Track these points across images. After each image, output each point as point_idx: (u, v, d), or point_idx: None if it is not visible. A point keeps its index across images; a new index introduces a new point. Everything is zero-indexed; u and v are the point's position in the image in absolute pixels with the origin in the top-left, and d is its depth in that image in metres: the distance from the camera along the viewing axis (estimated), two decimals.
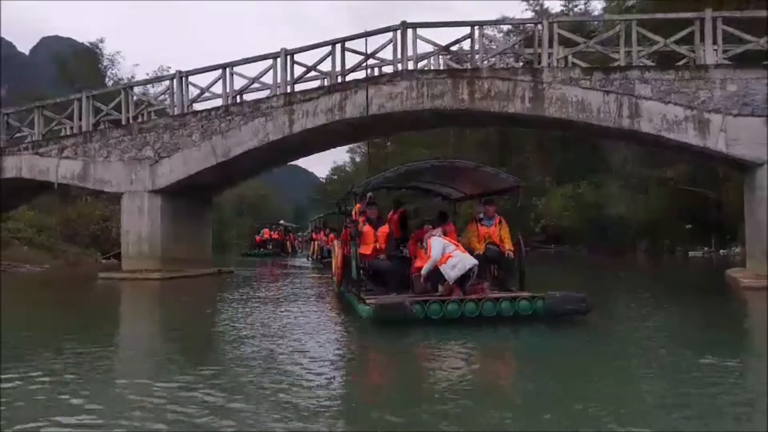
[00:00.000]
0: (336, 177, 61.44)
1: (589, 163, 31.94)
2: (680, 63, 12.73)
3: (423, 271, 8.07)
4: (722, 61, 12.41)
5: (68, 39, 78.58)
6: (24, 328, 8.02)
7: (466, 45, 14.64)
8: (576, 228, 31.52)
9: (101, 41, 37.65)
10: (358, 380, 5.23)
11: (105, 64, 37.07)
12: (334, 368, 5.41)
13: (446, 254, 7.78)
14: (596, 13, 31.66)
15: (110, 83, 37.38)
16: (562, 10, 32.42)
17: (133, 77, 36.66)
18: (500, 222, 9.11)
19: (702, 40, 12.49)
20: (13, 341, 6.80)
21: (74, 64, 36.40)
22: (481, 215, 9.18)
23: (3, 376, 5.02)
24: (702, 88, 12.15)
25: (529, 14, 32.30)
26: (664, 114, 12.28)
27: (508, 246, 8.87)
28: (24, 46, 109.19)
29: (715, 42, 12.45)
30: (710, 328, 7.70)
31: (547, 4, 32.59)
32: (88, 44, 38.96)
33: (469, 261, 7.75)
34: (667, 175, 25.33)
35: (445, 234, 8.53)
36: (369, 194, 9.91)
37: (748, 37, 12.46)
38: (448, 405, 4.13)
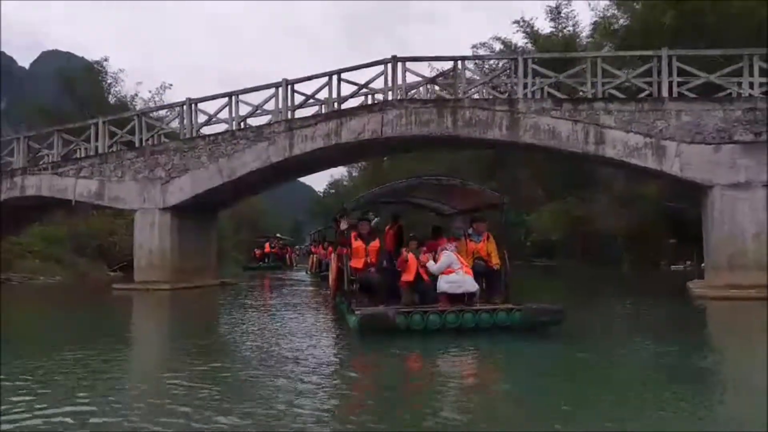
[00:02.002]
0: (333, 191, 63.12)
1: (578, 177, 33.52)
2: (641, 96, 14.47)
3: (430, 268, 8.86)
4: (684, 93, 14.19)
5: (68, 53, 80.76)
6: (67, 330, 9.76)
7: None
8: (565, 242, 33.11)
9: (106, 59, 39.23)
10: (341, 380, 6.03)
11: (109, 81, 38.63)
12: (321, 368, 6.28)
13: (450, 269, 8.62)
14: (585, 34, 33.69)
15: (113, 100, 38.84)
16: (552, 32, 34.35)
17: (136, 95, 38.44)
18: (488, 238, 9.73)
19: (659, 74, 14.25)
20: (62, 338, 8.54)
21: (80, 81, 37.98)
22: (470, 231, 9.87)
23: (71, 355, 6.74)
24: (659, 118, 13.88)
25: (519, 36, 34.21)
26: (626, 141, 14.00)
27: (494, 261, 9.51)
28: (24, 61, 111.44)
29: (671, 75, 14.20)
30: (657, 326, 9.59)
31: (537, 26, 34.41)
32: (92, 62, 40.49)
33: (470, 286, 8.52)
34: (648, 190, 26.90)
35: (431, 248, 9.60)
36: (353, 210, 10.88)
37: (699, 73, 14.21)
38: (422, 406, 4.87)
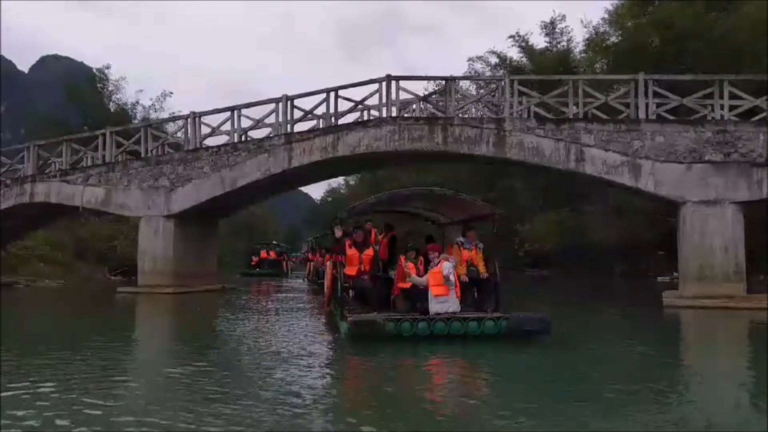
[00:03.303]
0: (331, 199, 64.28)
1: (572, 188, 34.56)
2: (619, 117, 15.63)
3: (419, 281, 9.16)
4: (662, 115, 15.37)
5: (67, 58, 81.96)
6: (77, 330, 10.93)
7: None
8: (558, 252, 34.20)
9: (108, 67, 40.35)
10: (327, 381, 6.56)
11: (110, 89, 39.76)
12: (309, 371, 6.81)
13: (445, 289, 8.87)
14: (578, 49, 34.95)
15: (114, 107, 39.94)
16: (546, 47, 35.63)
17: (137, 102, 39.57)
18: (476, 246, 10.24)
19: (636, 97, 15.43)
20: (73, 338, 9.72)
21: (82, 89, 39.17)
22: (462, 239, 10.36)
23: (83, 352, 7.84)
24: (635, 138, 15.06)
25: (515, 50, 35.46)
26: (604, 159, 15.16)
27: (481, 269, 10.02)
28: (23, 65, 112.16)
29: (646, 96, 15.36)
30: (627, 332, 10.94)
31: (532, 41, 35.67)
32: (95, 70, 41.65)
33: (454, 307, 8.89)
34: (640, 204, 27.98)
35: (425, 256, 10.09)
36: (347, 218, 11.38)
37: (673, 96, 15.39)
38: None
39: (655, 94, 15.43)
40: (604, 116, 15.89)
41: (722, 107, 15.14)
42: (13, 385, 5.88)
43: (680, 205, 14.90)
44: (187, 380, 6.22)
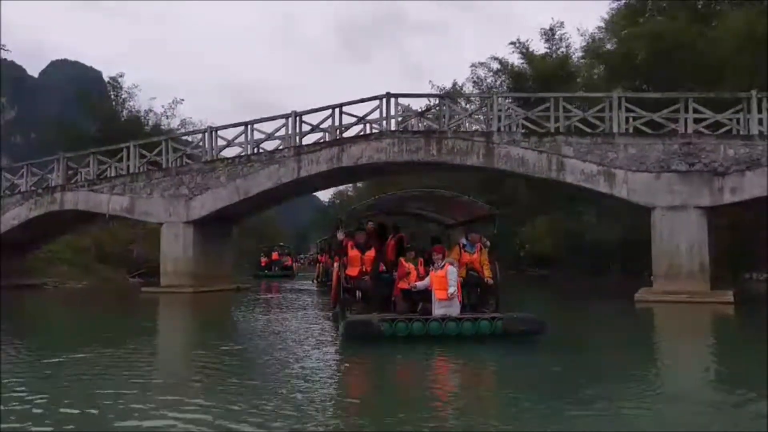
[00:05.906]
0: (338, 201, 66.46)
1: (571, 191, 36.33)
2: (596, 131, 17.72)
3: (420, 285, 9.68)
4: (637, 127, 17.45)
5: (76, 62, 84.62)
6: (113, 323, 13.20)
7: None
8: (558, 252, 36.14)
9: (121, 75, 42.65)
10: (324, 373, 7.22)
11: (124, 96, 42.05)
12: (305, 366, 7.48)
13: (450, 294, 9.21)
14: (576, 56, 36.89)
15: (126, 113, 42.25)
16: (546, 53, 37.56)
17: (150, 110, 41.94)
18: (481, 249, 10.51)
19: (611, 112, 17.52)
20: (111, 330, 11.88)
21: (94, 97, 41.60)
22: (464, 242, 10.62)
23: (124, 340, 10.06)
24: (610, 150, 17.14)
25: (516, 56, 37.36)
26: (582, 169, 17.26)
27: (486, 273, 10.34)
28: (33, 70, 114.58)
29: (620, 109, 17.43)
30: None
31: (532, 47, 37.59)
32: (108, 78, 44.10)
33: (455, 311, 9.27)
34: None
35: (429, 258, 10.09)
36: (348, 220, 12.15)
37: (643, 112, 17.47)
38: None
39: (629, 109, 17.52)
40: (587, 129, 17.96)
41: (686, 121, 17.18)
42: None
43: (651, 210, 16.97)
44: (208, 360, 7.80)
